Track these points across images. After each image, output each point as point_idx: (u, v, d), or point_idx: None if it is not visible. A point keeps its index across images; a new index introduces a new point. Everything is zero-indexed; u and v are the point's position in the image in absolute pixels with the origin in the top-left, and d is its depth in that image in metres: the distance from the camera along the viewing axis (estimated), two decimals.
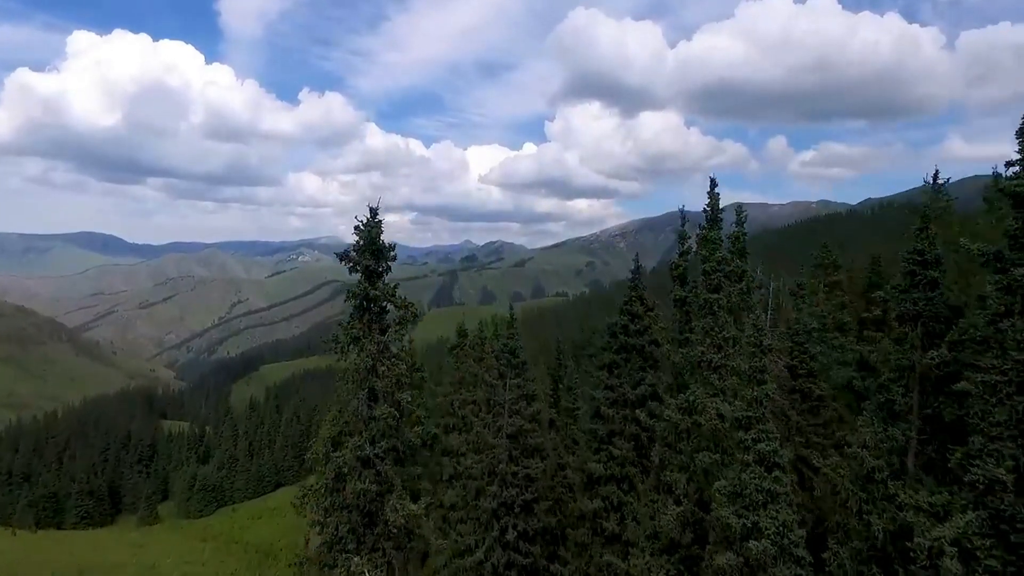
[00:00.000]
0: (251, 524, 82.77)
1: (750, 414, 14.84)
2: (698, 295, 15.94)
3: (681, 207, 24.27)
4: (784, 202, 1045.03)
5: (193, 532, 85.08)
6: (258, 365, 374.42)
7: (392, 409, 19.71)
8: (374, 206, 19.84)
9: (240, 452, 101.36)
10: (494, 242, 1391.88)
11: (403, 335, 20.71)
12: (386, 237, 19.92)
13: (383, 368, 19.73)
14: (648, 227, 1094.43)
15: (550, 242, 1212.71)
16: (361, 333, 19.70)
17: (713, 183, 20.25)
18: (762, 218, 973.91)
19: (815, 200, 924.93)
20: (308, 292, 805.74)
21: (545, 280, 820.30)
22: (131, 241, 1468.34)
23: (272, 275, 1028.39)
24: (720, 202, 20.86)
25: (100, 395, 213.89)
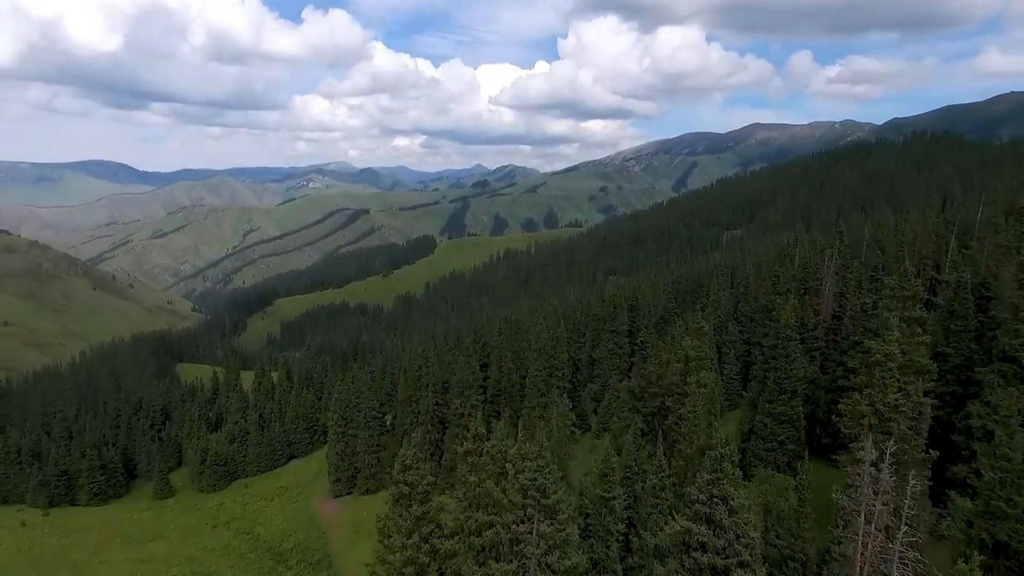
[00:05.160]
0: (263, 508, 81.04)
1: None
2: None
3: None
4: (806, 122, 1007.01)
5: (206, 513, 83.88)
6: (272, 299, 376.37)
7: None
8: None
9: (251, 425, 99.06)
10: (506, 166, 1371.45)
11: None
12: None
13: None
14: (663, 149, 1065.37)
15: (563, 165, 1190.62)
16: None
17: None
18: (783, 140, 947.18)
19: (839, 120, 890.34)
20: (320, 220, 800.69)
21: (558, 206, 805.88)
22: (141, 169, 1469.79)
23: (283, 203, 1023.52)
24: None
25: (113, 343, 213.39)
